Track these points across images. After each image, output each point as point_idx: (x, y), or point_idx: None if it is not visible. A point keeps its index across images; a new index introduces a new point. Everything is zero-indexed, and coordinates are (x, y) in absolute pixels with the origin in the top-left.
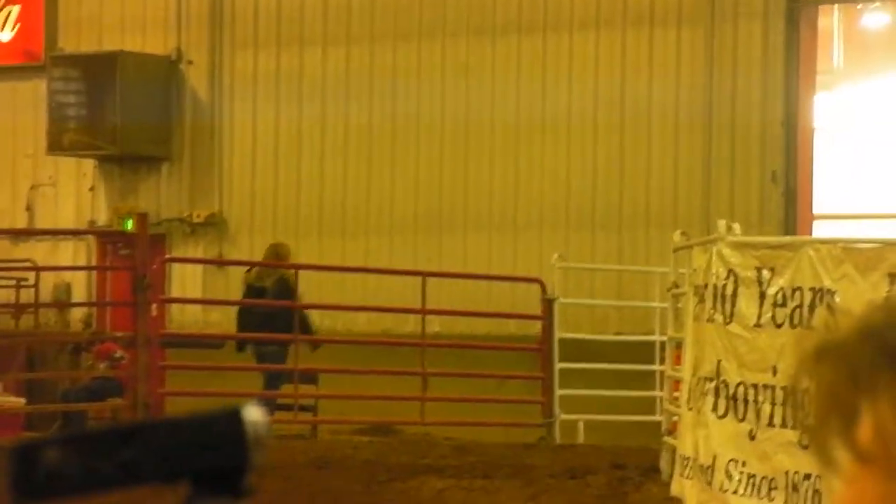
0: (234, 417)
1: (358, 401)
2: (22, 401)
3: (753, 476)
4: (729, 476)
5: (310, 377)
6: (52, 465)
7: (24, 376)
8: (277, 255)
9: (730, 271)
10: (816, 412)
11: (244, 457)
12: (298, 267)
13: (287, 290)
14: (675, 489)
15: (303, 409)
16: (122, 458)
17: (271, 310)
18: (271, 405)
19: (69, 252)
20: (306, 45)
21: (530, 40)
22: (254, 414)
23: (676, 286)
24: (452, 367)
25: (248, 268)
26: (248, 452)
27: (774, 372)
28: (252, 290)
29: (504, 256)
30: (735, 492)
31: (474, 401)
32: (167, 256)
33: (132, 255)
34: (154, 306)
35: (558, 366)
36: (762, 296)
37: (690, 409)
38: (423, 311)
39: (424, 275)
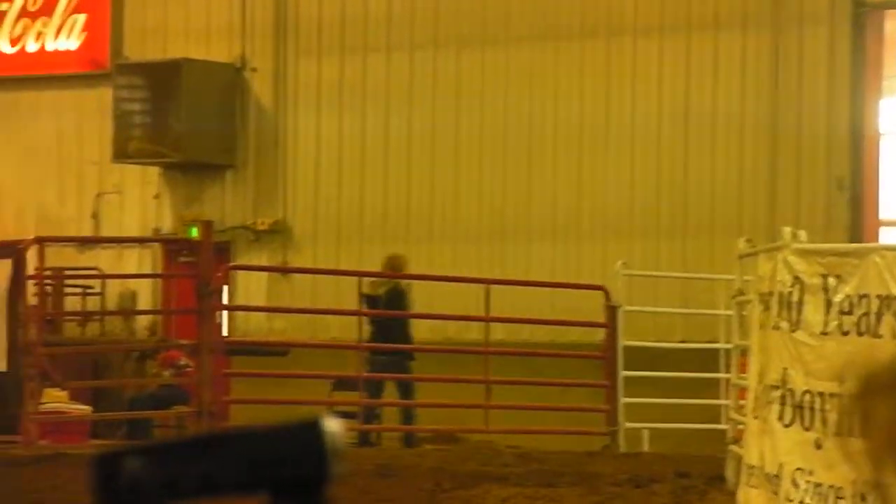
0: (313, 428)
1: (422, 408)
2: (88, 408)
3: (820, 485)
4: (795, 485)
5: (374, 385)
6: (135, 474)
7: (90, 384)
8: (392, 266)
9: (795, 279)
10: (871, 451)
11: (323, 468)
12: (404, 276)
13: (398, 299)
14: (740, 498)
15: (367, 416)
16: (203, 468)
17: (385, 319)
18: (410, 414)
19: (134, 260)
20: (370, 52)
21: (594, 46)
22: (332, 425)
23: (742, 294)
24: (516, 374)
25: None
26: (327, 463)
27: (841, 380)
28: (366, 299)
29: (568, 264)
30: (801, 501)
31: (538, 409)
32: (231, 264)
33: (197, 263)
34: (218, 314)
35: (622, 374)
36: (828, 303)
37: (756, 417)
38: (487, 319)
39: (488, 282)
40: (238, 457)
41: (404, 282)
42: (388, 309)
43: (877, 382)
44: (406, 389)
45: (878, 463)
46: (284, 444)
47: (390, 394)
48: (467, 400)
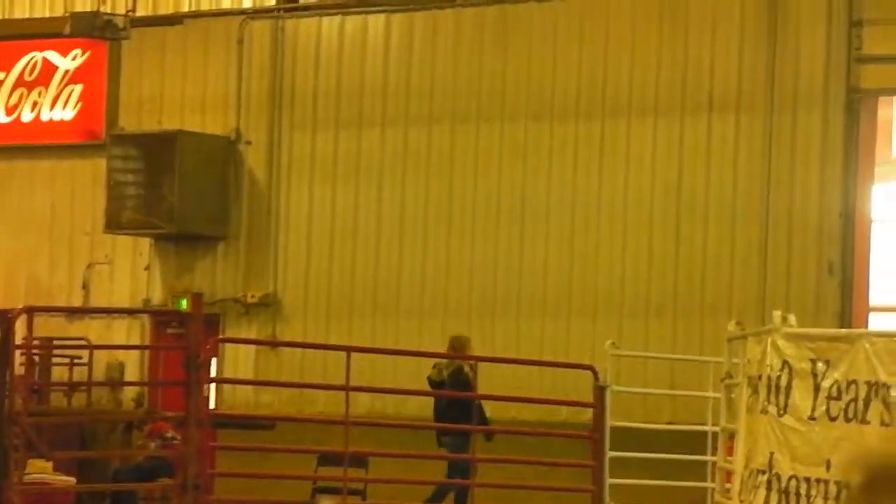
0: None
1: (408, 485)
2: (72, 480)
3: None
4: None
5: (360, 460)
6: None
7: (75, 455)
8: (454, 347)
9: (784, 363)
10: None
11: None
12: (437, 356)
13: (461, 381)
14: None
15: (352, 492)
16: None
17: (448, 401)
18: (444, 492)
19: (123, 330)
20: (364, 126)
21: (588, 126)
22: None
23: (730, 376)
24: (503, 452)
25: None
26: None
27: (828, 466)
28: (433, 385)
29: (557, 342)
30: None
31: (524, 487)
32: (220, 337)
33: (185, 335)
34: (206, 387)
35: (609, 454)
36: (817, 388)
37: (742, 501)
38: (476, 396)
39: (477, 359)
40: None
41: (468, 363)
42: (451, 388)
43: (884, 478)
44: (455, 473)
45: None
46: None
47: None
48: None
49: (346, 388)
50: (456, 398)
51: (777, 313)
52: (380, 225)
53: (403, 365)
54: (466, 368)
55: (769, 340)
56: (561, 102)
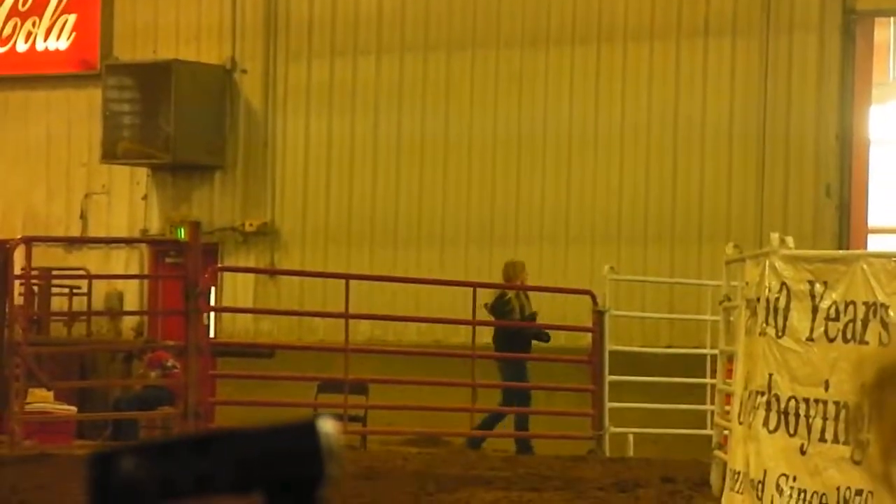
0: (309, 429)
1: (407, 411)
2: (73, 409)
3: (804, 491)
4: (780, 491)
5: (360, 387)
6: (129, 474)
7: (76, 384)
8: (504, 273)
9: (782, 284)
10: (880, 439)
11: (319, 469)
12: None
13: (499, 307)
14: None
15: (352, 419)
16: (198, 468)
17: (496, 328)
18: (495, 419)
19: (122, 260)
20: (360, 55)
21: (584, 51)
22: (328, 426)
23: (728, 299)
24: (502, 378)
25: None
26: (323, 464)
27: (826, 387)
28: (486, 309)
29: (555, 268)
30: None
31: (523, 412)
32: (219, 265)
33: (184, 264)
34: (205, 315)
35: (609, 378)
36: (815, 310)
37: (741, 423)
38: (474, 323)
39: (475, 286)
40: (234, 457)
41: (512, 291)
42: (494, 316)
43: (891, 376)
44: (519, 397)
45: (886, 452)
46: (280, 445)
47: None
48: (453, 403)
49: (345, 316)
50: (504, 326)
51: (775, 235)
52: (376, 153)
53: (402, 292)
54: (510, 295)
55: (767, 263)
56: (557, 28)
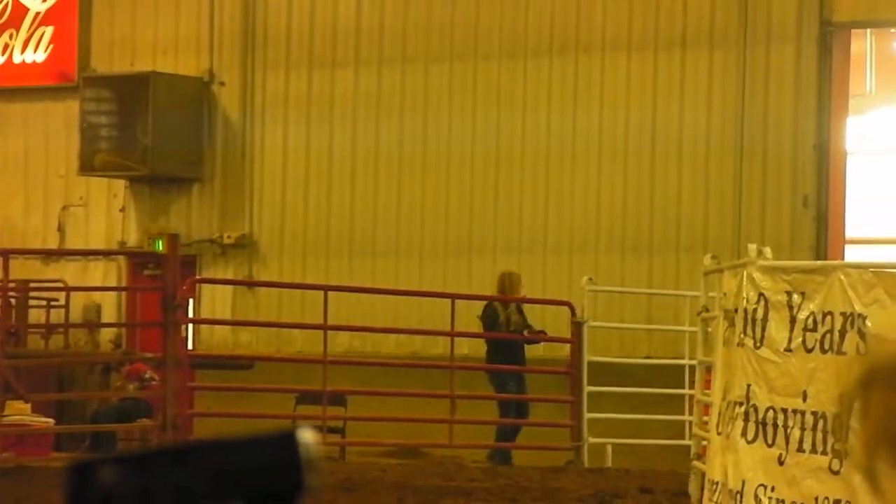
0: (288, 440)
1: (386, 423)
2: (51, 421)
3: (782, 501)
4: (758, 501)
5: (338, 399)
6: (107, 484)
7: (53, 397)
8: (499, 284)
9: (760, 295)
10: (866, 440)
11: (298, 479)
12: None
13: (487, 318)
14: None
15: (331, 430)
16: (176, 478)
17: (487, 341)
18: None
19: (100, 273)
20: (338, 67)
21: (561, 63)
22: (307, 436)
23: (707, 310)
24: (481, 389)
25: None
26: (302, 474)
27: (804, 397)
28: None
29: (534, 279)
30: None
31: (503, 423)
32: (197, 277)
33: (162, 276)
34: (183, 327)
35: (587, 389)
36: (792, 320)
37: (720, 433)
38: (453, 334)
39: (454, 297)
40: (213, 467)
41: (502, 304)
42: (483, 328)
43: (879, 373)
44: (506, 411)
45: (871, 451)
46: (260, 455)
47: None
48: (432, 414)
49: (324, 328)
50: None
51: (752, 246)
52: (354, 165)
53: (381, 304)
54: (495, 306)
55: (745, 273)
56: (535, 40)
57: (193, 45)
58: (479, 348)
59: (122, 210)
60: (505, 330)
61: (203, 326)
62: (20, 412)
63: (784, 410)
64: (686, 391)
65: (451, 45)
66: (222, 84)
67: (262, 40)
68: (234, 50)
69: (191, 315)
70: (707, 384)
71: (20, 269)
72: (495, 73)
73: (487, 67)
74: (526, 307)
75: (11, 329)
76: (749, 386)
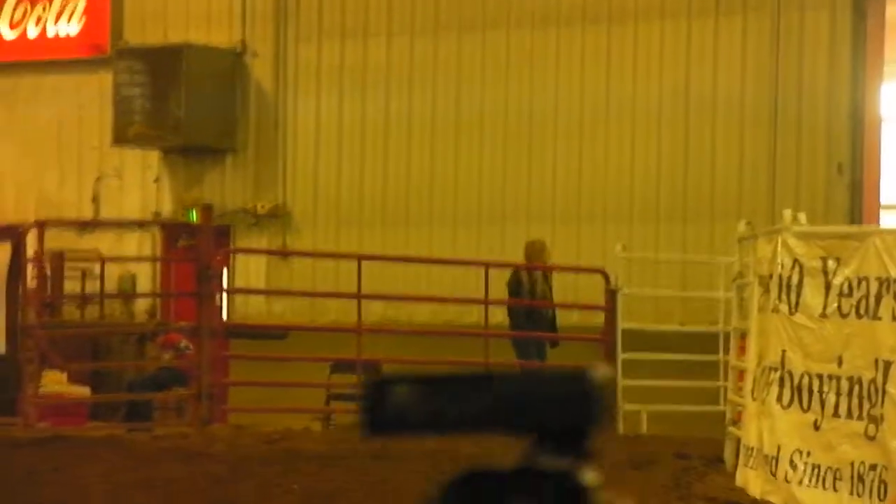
0: (583, 379)
1: None
2: (87, 390)
3: (818, 466)
4: (793, 466)
5: (373, 368)
6: (403, 402)
7: (89, 366)
8: (526, 252)
9: (795, 261)
10: None
11: (590, 418)
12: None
13: (511, 286)
14: (739, 479)
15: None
16: (470, 404)
17: (509, 307)
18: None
19: (134, 243)
20: (370, 36)
21: (594, 31)
22: (602, 375)
23: (741, 276)
24: (516, 356)
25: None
26: (595, 414)
27: (840, 363)
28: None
29: (568, 247)
30: (800, 482)
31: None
32: (231, 247)
33: (196, 246)
34: (217, 297)
35: (622, 356)
36: (828, 286)
37: (755, 399)
38: (486, 302)
39: (487, 265)
40: (507, 398)
41: (527, 271)
42: (508, 294)
43: None
44: (524, 352)
45: None
46: (554, 389)
47: None
48: None
49: (357, 297)
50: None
51: (787, 212)
52: (387, 134)
53: (414, 272)
54: (521, 274)
55: (780, 239)
56: (567, 7)
57: (226, 16)
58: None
59: (156, 181)
60: (529, 298)
61: (237, 296)
62: (57, 382)
63: (819, 376)
64: (721, 357)
65: (483, 13)
66: (255, 55)
67: (294, 10)
68: (267, 21)
69: (225, 285)
70: (742, 350)
71: (55, 241)
72: (528, 41)
73: (520, 35)
74: (559, 275)
75: (47, 300)
76: (784, 352)
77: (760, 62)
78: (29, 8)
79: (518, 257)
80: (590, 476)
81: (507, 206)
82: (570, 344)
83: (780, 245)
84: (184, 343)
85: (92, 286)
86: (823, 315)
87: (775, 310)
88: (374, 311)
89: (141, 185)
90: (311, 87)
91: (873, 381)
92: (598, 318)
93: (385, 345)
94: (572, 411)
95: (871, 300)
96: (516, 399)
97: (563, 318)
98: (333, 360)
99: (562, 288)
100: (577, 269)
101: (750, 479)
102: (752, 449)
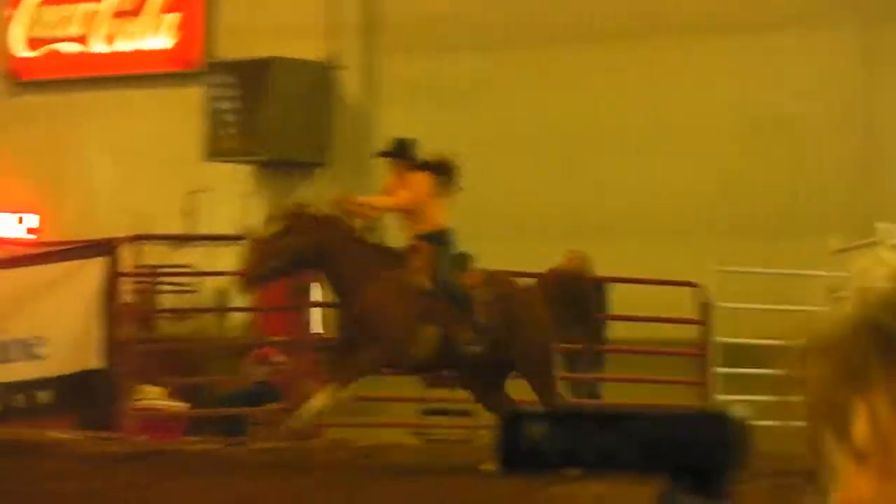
0: (720, 418)
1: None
2: (186, 405)
3: None
4: None
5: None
6: (538, 439)
7: (186, 381)
8: (572, 265)
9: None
10: (809, 412)
11: (728, 459)
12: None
13: (565, 295)
14: None
15: (461, 413)
16: (604, 441)
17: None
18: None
19: (226, 257)
20: (459, 50)
21: (699, 40)
22: (739, 415)
23: (837, 290)
24: (607, 371)
25: None
26: (731, 455)
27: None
28: None
29: (662, 260)
30: None
31: (632, 405)
32: None
33: None
34: (310, 311)
35: (716, 370)
36: None
37: None
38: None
39: (584, 281)
40: (640, 436)
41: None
42: (563, 308)
43: (813, 347)
44: (586, 391)
45: (814, 426)
46: (690, 429)
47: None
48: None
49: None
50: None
51: (883, 225)
52: (476, 147)
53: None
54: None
55: (876, 252)
56: (665, 20)
57: (316, 29)
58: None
59: (248, 195)
60: (581, 310)
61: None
62: (154, 396)
63: None
64: None
65: (576, 27)
66: (344, 68)
67: (384, 24)
68: (356, 34)
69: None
70: None
71: (148, 255)
72: (621, 53)
73: (612, 47)
74: (653, 289)
75: (143, 314)
76: None
77: (852, 74)
78: (122, 23)
79: (613, 271)
80: None
81: (604, 219)
82: (664, 359)
83: (876, 258)
84: (277, 358)
85: (184, 300)
86: None
87: None
88: None
89: (231, 199)
90: (400, 99)
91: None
92: (692, 333)
93: None
94: (710, 452)
95: None
96: (650, 438)
97: (657, 332)
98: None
99: (656, 301)
100: (672, 283)
101: None
102: None
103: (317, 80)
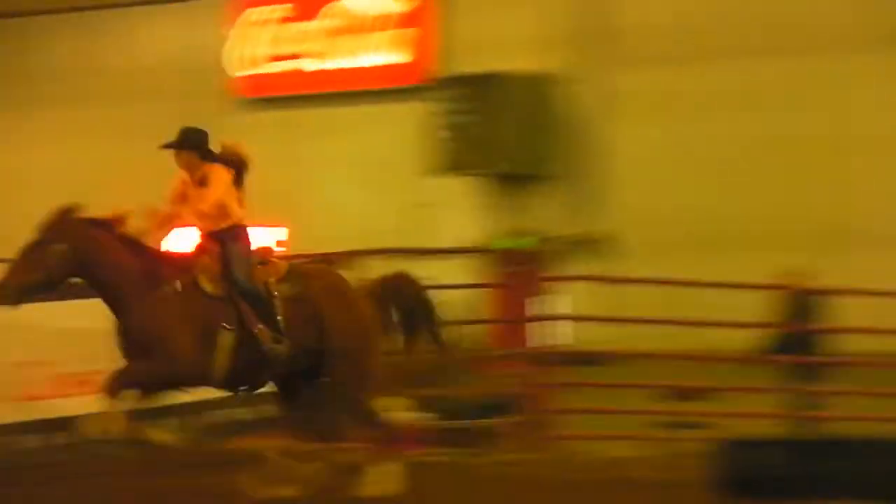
0: None
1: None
2: (431, 416)
3: None
4: None
5: (697, 394)
6: (769, 465)
7: (427, 393)
8: (792, 280)
9: None
10: None
11: None
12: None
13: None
14: None
15: (693, 426)
16: (835, 469)
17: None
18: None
19: (457, 270)
20: (694, 61)
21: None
22: None
23: None
24: (860, 384)
25: None
26: None
27: None
28: None
29: (867, 270)
30: None
31: (869, 419)
32: (556, 274)
33: (521, 273)
34: (546, 324)
35: None
36: None
37: None
38: (830, 331)
39: (826, 293)
40: (872, 463)
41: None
42: (786, 319)
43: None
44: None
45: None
46: None
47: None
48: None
49: (691, 323)
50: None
51: None
52: (710, 160)
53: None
54: (800, 299)
55: None
56: (873, 34)
57: (549, 42)
58: (858, 343)
59: (477, 208)
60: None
61: (565, 323)
62: (399, 408)
63: None
64: None
65: (813, 37)
66: (576, 81)
67: (616, 36)
68: (589, 47)
69: (547, 312)
70: None
71: (380, 268)
72: (843, 64)
73: (835, 59)
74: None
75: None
76: None
77: None
78: (357, 39)
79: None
80: None
81: (851, 230)
82: (874, 371)
83: None
84: (510, 370)
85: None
86: None
87: None
88: (680, 339)
89: (461, 212)
90: (632, 112)
91: None
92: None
93: (705, 370)
94: None
95: None
96: (882, 465)
97: (864, 345)
98: (661, 387)
99: (862, 313)
100: (882, 294)
101: None
102: None
103: (548, 92)
